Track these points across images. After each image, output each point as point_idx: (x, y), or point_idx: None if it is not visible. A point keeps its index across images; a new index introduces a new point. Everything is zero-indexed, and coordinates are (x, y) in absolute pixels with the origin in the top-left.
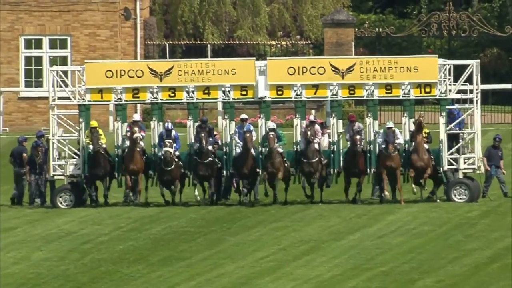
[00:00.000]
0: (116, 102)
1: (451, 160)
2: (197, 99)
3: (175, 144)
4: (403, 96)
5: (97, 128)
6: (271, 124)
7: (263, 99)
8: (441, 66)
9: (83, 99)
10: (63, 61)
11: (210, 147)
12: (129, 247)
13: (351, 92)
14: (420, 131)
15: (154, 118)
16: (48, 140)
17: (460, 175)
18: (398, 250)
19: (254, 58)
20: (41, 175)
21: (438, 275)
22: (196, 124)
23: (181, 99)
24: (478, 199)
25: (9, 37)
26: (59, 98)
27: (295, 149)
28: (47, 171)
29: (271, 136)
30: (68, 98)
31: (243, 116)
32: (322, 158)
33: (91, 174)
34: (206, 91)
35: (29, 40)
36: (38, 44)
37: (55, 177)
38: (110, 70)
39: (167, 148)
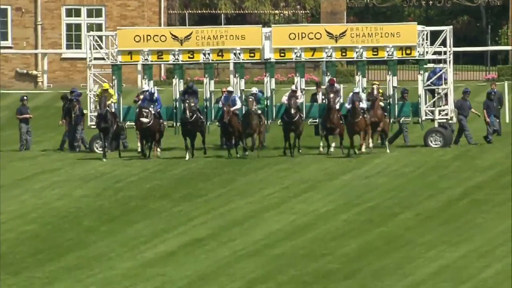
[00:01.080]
0: (143, 63)
1: (427, 112)
2: (212, 60)
3: (157, 104)
4: (387, 58)
5: (108, 90)
6: (254, 90)
7: (268, 60)
8: (420, 31)
9: (116, 60)
10: (99, 27)
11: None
12: (155, 186)
13: (343, 54)
14: (375, 100)
15: (175, 76)
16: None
17: (436, 124)
18: (383, 189)
19: (261, 25)
20: (76, 125)
21: (417, 209)
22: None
23: (198, 60)
24: (450, 145)
25: (53, 7)
26: (95, 59)
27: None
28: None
29: (250, 99)
30: (103, 59)
31: (229, 88)
32: (302, 115)
33: (99, 128)
34: (220, 54)
35: (70, 10)
36: (77, 13)
37: (91, 127)
38: (138, 35)
39: (142, 119)
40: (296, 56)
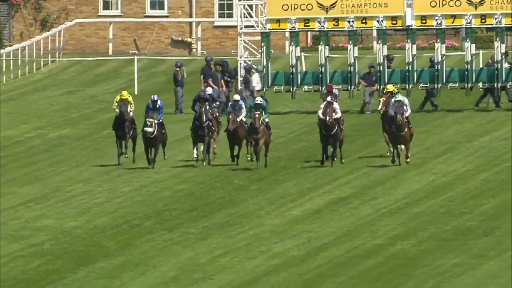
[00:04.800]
0: (291, 30)
1: None
2: (356, 27)
3: (159, 113)
4: None
5: (128, 99)
6: (259, 99)
7: (410, 27)
8: None
9: (264, 28)
10: None
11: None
12: (302, 147)
13: (483, 20)
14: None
15: (321, 43)
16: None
17: None
18: None
19: None
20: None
21: None
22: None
23: (343, 28)
24: None
25: None
26: (245, 26)
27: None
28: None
29: (257, 115)
30: (253, 26)
31: (236, 97)
32: (341, 127)
33: (117, 134)
34: (363, 21)
35: None
36: None
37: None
38: (286, 4)
39: (147, 129)
40: (437, 23)
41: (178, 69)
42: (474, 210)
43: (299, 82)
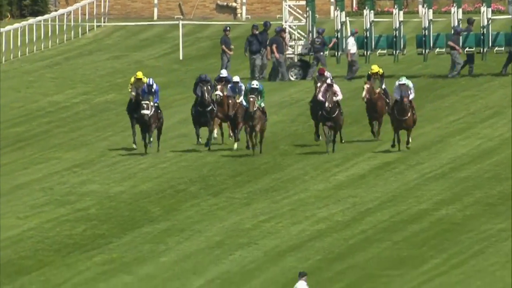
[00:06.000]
0: None
1: None
2: None
3: (154, 97)
4: None
5: (142, 79)
6: (255, 83)
7: None
8: None
9: None
10: None
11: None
12: (346, 112)
13: None
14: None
15: (366, 7)
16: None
17: None
18: None
19: None
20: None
21: None
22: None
23: None
24: None
25: None
26: None
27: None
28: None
29: (251, 99)
30: None
31: (235, 78)
32: (341, 111)
33: (133, 118)
34: None
35: None
36: None
37: (287, 55)
38: None
39: (144, 111)
40: None
41: (225, 33)
42: None
43: (343, 46)
